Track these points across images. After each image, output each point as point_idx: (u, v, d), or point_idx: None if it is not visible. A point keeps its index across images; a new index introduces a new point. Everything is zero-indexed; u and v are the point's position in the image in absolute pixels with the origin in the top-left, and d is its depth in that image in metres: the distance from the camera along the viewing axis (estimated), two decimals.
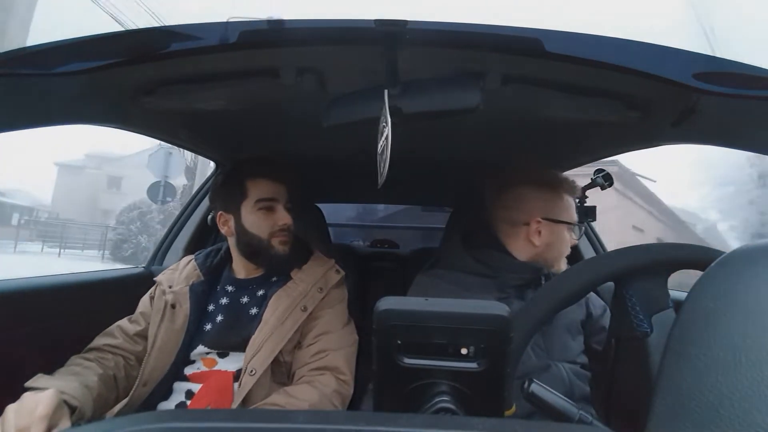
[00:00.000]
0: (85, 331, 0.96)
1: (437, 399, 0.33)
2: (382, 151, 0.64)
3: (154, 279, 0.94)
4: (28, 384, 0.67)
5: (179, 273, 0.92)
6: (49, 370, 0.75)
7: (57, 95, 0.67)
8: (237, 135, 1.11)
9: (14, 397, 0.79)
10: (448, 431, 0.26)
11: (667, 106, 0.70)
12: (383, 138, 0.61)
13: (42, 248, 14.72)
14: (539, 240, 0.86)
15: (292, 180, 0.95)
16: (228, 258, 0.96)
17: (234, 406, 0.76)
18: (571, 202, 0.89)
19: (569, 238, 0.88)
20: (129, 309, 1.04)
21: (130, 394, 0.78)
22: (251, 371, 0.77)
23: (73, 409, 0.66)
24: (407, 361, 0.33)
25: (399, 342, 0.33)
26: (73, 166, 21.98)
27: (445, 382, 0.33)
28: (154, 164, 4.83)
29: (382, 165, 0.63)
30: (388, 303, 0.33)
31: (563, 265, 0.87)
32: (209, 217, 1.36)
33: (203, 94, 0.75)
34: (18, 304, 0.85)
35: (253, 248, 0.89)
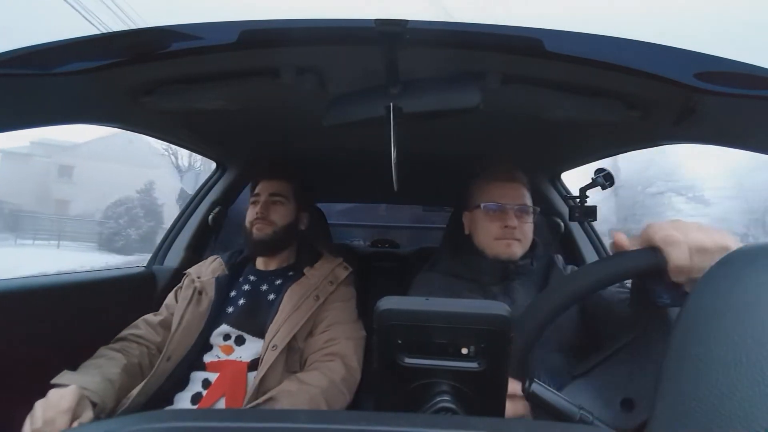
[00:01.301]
0: (86, 331, 0.96)
1: (438, 398, 0.33)
2: (390, 153, 0.65)
3: (184, 272, 1.04)
4: (54, 381, 0.73)
5: (206, 267, 1.04)
6: (50, 369, 0.75)
7: (57, 95, 0.67)
8: (237, 135, 1.11)
9: (15, 394, 0.79)
10: (448, 431, 0.26)
11: (668, 105, 0.70)
12: (391, 142, 0.62)
13: (33, 242, 14.38)
14: (467, 229, 0.93)
15: (277, 175, 1.07)
16: (251, 257, 1.09)
17: (250, 390, 0.81)
18: (485, 185, 0.90)
19: (488, 220, 0.87)
20: (129, 309, 1.04)
21: (155, 368, 0.84)
22: (273, 347, 0.85)
23: (94, 404, 0.73)
24: (408, 360, 0.33)
25: (399, 342, 0.33)
26: (19, 153, 19.44)
27: (446, 382, 0.33)
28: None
29: (393, 167, 0.65)
30: (388, 303, 0.33)
31: (500, 249, 0.86)
32: (210, 217, 1.36)
33: (203, 94, 0.75)
34: (18, 304, 0.85)
35: (244, 235, 1.04)
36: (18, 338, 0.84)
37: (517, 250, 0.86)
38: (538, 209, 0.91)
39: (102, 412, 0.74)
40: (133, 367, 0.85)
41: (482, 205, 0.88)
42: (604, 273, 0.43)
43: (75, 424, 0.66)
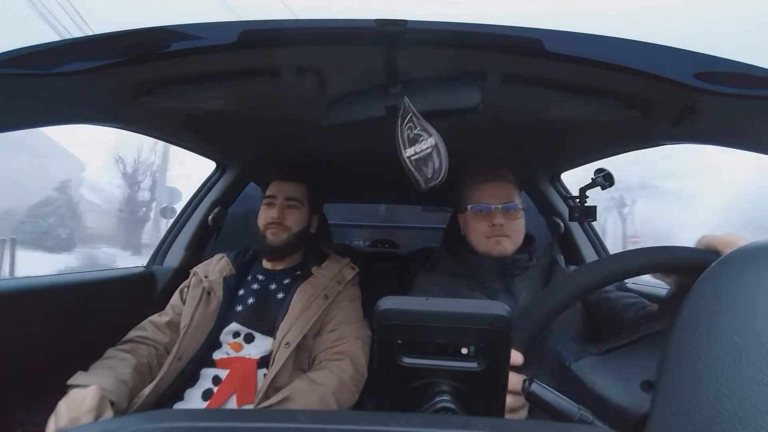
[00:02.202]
0: (86, 331, 0.96)
1: (437, 398, 0.33)
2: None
3: (190, 270, 1.04)
4: (70, 381, 0.74)
5: (213, 266, 1.04)
6: (50, 369, 0.75)
7: (57, 95, 0.67)
8: (237, 135, 1.11)
9: (14, 394, 0.79)
10: (448, 431, 0.26)
11: (668, 105, 0.70)
12: (428, 144, 0.62)
13: None
14: (463, 231, 0.98)
15: (294, 177, 1.06)
16: (258, 255, 1.09)
17: (263, 387, 0.82)
18: (471, 188, 0.95)
19: (478, 220, 0.92)
20: (129, 309, 1.04)
21: (166, 367, 0.85)
22: (286, 344, 0.86)
23: (112, 403, 0.74)
24: (407, 360, 0.33)
25: (399, 342, 0.33)
26: None
27: (446, 382, 0.33)
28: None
29: (431, 169, 0.65)
30: (388, 303, 0.33)
31: (490, 245, 0.90)
32: (210, 217, 1.36)
33: (203, 94, 0.75)
34: (18, 304, 0.85)
35: (258, 237, 1.04)
36: (18, 338, 0.84)
37: (507, 246, 0.89)
38: (524, 205, 0.95)
39: (118, 412, 0.75)
40: (143, 367, 0.86)
41: (469, 207, 0.92)
42: (665, 257, 0.45)
43: None
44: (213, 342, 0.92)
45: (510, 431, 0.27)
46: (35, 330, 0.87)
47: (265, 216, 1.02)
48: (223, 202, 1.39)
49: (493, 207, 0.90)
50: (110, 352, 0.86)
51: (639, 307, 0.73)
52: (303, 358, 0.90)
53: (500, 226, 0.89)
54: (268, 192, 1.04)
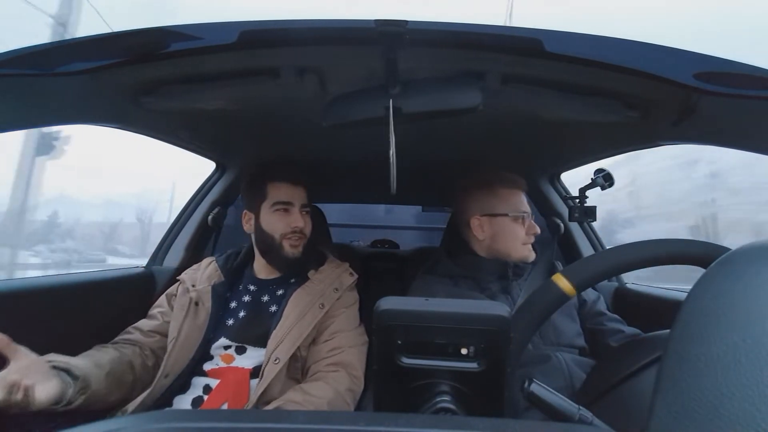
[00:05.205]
0: (85, 331, 0.96)
1: (437, 399, 0.33)
2: (391, 155, 0.65)
3: (177, 278, 1.00)
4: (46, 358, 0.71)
5: (201, 273, 0.98)
6: None
7: (57, 95, 0.67)
8: (237, 135, 1.11)
9: None
10: (448, 431, 0.26)
11: (668, 105, 0.70)
12: (391, 142, 0.63)
13: None
14: (482, 234, 0.97)
15: (303, 181, 1.00)
16: (249, 259, 1.03)
17: (253, 399, 0.79)
18: (508, 195, 0.97)
19: (517, 227, 0.94)
20: (129, 309, 1.03)
21: (153, 384, 0.82)
22: (275, 360, 0.82)
23: (76, 377, 0.70)
24: (407, 361, 0.33)
25: (399, 342, 0.33)
26: None
27: (445, 382, 0.33)
28: None
29: (392, 168, 0.65)
30: (388, 303, 0.33)
31: (526, 252, 0.94)
32: (210, 217, 1.36)
33: (203, 94, 0.75)
34: (18, 304, 0.85)
35: (266, 246, 0.97)
36: (17, 338, 0.84)
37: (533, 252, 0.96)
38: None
39: (86, 387, 0.72)
40: (125, 363, 0.83)
41: (509, 213, 0.94)
42: (680, 250, 0.45)
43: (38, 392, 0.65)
44: (202, 354, 0.88)
45: (510, 431, 0.27)
46: (35, 330, 0.87)
47: (283, 224, 0.94)
48: (223, 202, 1.39)
49: (527, 214, 0.95)
50: (93, 348, 0.84)
51: (621, 338, 0.84)
52: (295, 368, 0.87)
53: (534, 234, 0.94)
54: (281, 197, 0.95)
